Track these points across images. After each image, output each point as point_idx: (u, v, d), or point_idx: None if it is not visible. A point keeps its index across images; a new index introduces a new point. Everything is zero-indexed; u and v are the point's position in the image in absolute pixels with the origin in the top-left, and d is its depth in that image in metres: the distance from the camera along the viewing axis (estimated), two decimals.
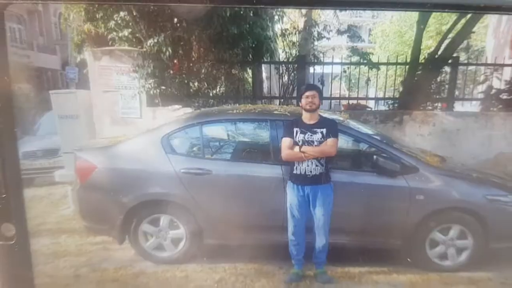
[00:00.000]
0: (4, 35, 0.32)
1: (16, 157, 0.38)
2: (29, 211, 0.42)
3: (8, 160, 0.35)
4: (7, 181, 0.36)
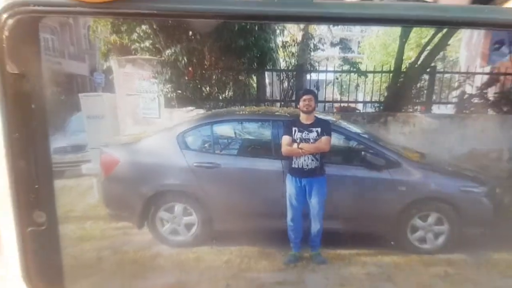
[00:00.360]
0: (39, 44, 0.32)
1: (48, 152, 0.38)
2: (59, 200, 0.42)
3: (40, 155, 0.36)
4: (40, 173, 0.36)
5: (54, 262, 0.33)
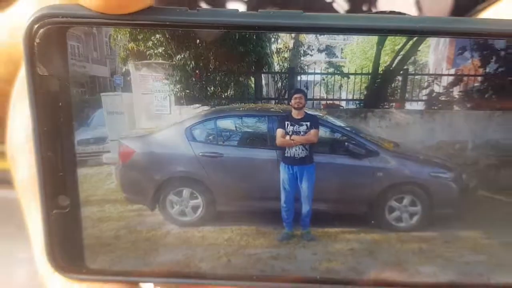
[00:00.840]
0: (66, 50, 0.33)
1: (73, 144, 0.39)
2: (82, 186, 0.43)
3: (66, 146, 0.36)
4: (65, 162, 0.37)
5: (76, 241, 0.34)
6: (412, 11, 0.44)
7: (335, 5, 0.43)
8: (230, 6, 0.42)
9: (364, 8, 0.43)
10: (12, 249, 0.98)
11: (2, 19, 0.49)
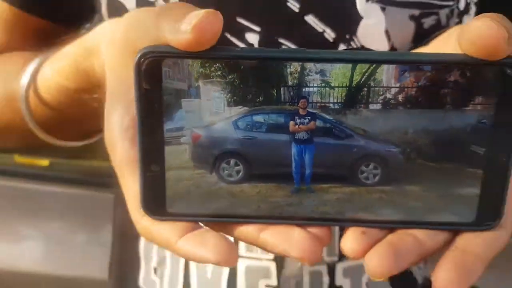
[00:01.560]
0: (161, 72, 0.32)
1: (163, 131, 0.38)
2: (167, 157, 0.42)
3: (158, 133, 0.35)
4: (156, 143, 0.36)
5: (161, 194, 0.33)
6: (383, 38, 0.42)
7: (325, 35, 0.41)
8: (248, 36, 0.40)
9: (347, 36, 0.41)
10: (17, 227, 0.98)
11: (77, 42, 0.44)
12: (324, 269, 0.43)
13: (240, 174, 0.34)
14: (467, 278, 0.23)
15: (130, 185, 0.31)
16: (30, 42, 0.48)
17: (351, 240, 0.28)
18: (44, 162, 0.97)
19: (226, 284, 0.43)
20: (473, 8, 0.42)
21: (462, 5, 0.40)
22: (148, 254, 0.48)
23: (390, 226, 0.30)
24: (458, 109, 0.27)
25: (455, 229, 0.28)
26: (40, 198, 1.02)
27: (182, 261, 0.45)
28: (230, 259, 0.26)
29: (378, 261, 0.24)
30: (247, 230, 0.31)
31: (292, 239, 0.28)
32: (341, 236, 0.45)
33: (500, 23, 0.22)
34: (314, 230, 0.30)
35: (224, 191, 0.34)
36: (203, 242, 0.27)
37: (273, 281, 0.42)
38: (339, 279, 0.44)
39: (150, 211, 0.29)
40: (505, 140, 0.25)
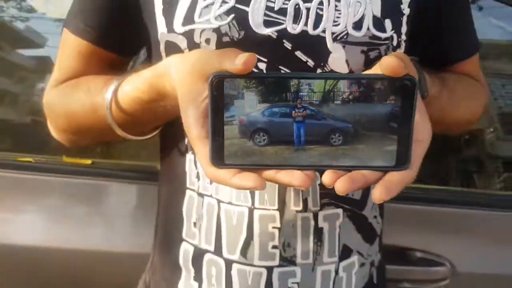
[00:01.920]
0: (223, 86, 0.34)
1: (223, 118, 0.31)
2: (225, 132, 0.31)
3: (219, 119, 0.35)
4: (219, 125, 0.35)
5: (222, 153, 0.35)
6: (344, 65, 0.46)
7: (308, 63, 0.46)
8: (259, 64, 0.46)
9: (322, 64, 0.46)
10: (16, 205, 0.83)
11: (151, 68, 0.44)
12: (310, 216, 0.48)
13: (265, 141, 0.37)
14: (390, 194, 0.32)
15: (202, 151, 0.35)
16: (101, 69, 0.52)
17: (327, 177, 0.32)
18: (87, 161, 0.96)
19: (246, 227, 0.47)
20: (403, 45, 0.48)
21: (395, 43, 0.47)
22: (189, 213, 0.51)
23: (348, 169, 0.34)
24: (381, 102, 0.33)
25: (384, 170, 0.34)
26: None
27: (215, 216, 0.48)
28: (261, 185, 0.32)
29: (341, 183, 0.31)
30: (269, 173, 0.34)
31: (293, 176, 0.33)
32: (321, 188, 0.49)
33: (399, 58, 0.30)
34: (306, 172, 0.34)
35: (256, 151, 0.36)
36: (246, 178, 0.32)
37: (277, 224, 0.47)
38: (321, 223, 0.49)
39: (215, 163, 0.34)
40: (406, 118, 0.32)
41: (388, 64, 0.30)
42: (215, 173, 0.34)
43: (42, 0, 1.04)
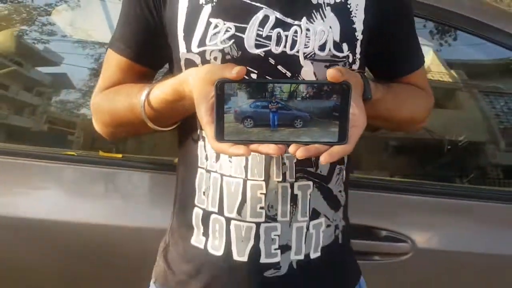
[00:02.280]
0: (224, 87, 0.39)
1: (223, 106, 0.42)
2: (225, 117, 0.44)
3: (221, 107, 0.41)
4: (222, 112, 0.41)
5: (222, 132, 0.39)
6: (312, 76, 0.52)
7: (287, 74, 0.51)
8: (251, 74, 0.50)
9: (296, 74, 0.52)
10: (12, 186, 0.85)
11: (175, 77, 0.51)
12: (288, 185, 0.52)
13: (251, 124, 0.40)
14: (332, 159, 0.39)
15: (209, 131, 0.40)
16: (135, 79, 0.57)
17: (293, 148, 0.38)
18: (119, 155, 1.02)
19: (241, 193, 0.51)
20: (357, 62, 0.53)
21: (351, 60, 0.52)
22: (200, 185, 0.55)
23: (306, 143, 0.39)
24: (328, 99, 0.38)
25: (329, 144, 0.39)
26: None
27: (218, 186, 0.52)
28: (248, 153, 0.38)
29: (301, 152, 0.38)
30: (254, 146, 0.39)
31: (270, 148, 0.39)
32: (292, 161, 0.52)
33: (339, 70, 0.37)
34: (278, 145, 0.39)
35: (245, 131, 0.40)
36: (238, 148, 0.38)
37: (264, 191, 0.51)
38: (296, 191, 0.53)
39: (218, 139, 0.39)
40: (344, 110, 0.38)
41: (330, 74, 0.37)
42: (218, 146, 0.40)
43: (62, 24, 1.08)
